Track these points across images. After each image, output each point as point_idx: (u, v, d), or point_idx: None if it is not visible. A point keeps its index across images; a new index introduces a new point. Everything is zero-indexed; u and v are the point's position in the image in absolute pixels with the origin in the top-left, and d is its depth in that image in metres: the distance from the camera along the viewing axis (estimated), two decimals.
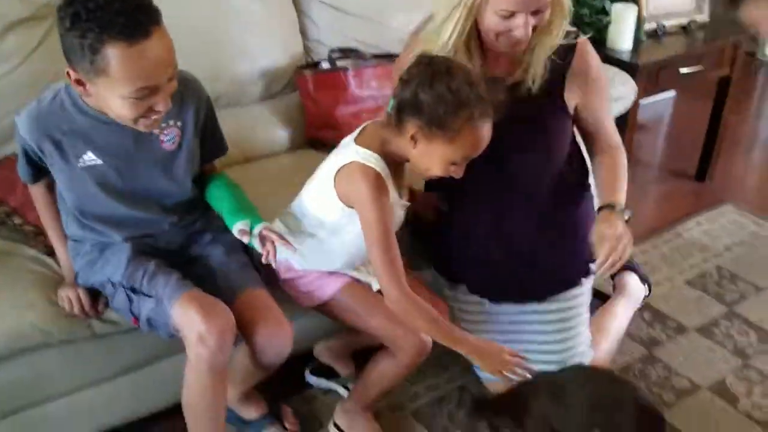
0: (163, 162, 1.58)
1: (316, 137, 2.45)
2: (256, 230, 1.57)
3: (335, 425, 1.88)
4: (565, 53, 1.69)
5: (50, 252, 1.77)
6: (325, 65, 2.44)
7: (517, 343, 1.71)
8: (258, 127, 2.45)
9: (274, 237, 1.56)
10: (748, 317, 2.33)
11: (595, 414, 1.56)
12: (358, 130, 1.64)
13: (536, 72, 1.65)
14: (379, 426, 1.86)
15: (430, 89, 1.41)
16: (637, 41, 2.77)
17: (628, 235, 1.58)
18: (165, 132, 1.55)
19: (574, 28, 1.71)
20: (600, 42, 2.73)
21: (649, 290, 2.20)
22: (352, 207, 1.55)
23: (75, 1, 1.25)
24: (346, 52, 2.46)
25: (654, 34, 2.84)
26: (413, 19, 2.26)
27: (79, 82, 1.34)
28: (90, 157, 1.50)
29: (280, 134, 2.47)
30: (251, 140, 2.42)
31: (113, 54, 1.25)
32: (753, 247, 2.70)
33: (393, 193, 1.57)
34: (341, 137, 2.37)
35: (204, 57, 2.29)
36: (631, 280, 2.12)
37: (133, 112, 1.36)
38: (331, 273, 1.71)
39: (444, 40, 1.57)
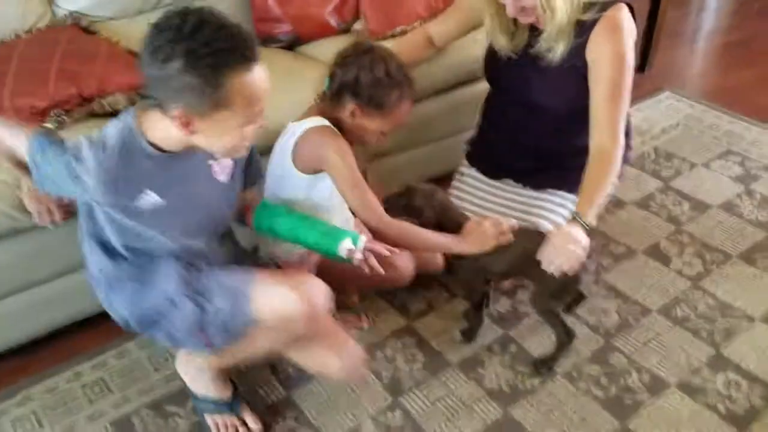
0: (220, 194, 1.53)
1: (265, 33, 2.47)
2: (361, 245, 1.55)
3: None
4: (590, 26, 1.74)
5: None
6: None
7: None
8: None
9: (380, 248, 1.57)
10: (681, 189, 2.49)
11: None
12: (301, 116, 1.73)
13: (549, 47, 1.76)
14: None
15: (370, 73, 1.61)
16: None
17: (579, 244, 1.64)
18: (220, 164, 1.49)
19: None
20: None
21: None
22: (318, 172, 1.65)
23: (181, 39, 1.15)
24: None
25: None
26: None
27: (184, 122, 1.24)
28: (151, 198, 1.37)
29: None
30: None
31: (236, 83, 1.19)
32: (687, 128, 2.86)
33: None
34: (290, 33, 2.43)
35: None
36: None
37: (243, 138, 1.31)
38: None
39: None
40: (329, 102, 1.69)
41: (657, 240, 2.27)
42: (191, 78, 1.16)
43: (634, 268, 2.16)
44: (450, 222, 1.76)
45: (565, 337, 1.81)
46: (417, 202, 1.77)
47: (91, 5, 2.28)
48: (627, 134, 1.97)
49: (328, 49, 2.32)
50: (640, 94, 3.04)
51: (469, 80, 2.35)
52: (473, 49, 2.20)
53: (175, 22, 1.16)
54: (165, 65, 1.16)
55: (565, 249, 1.64)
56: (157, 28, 1.18)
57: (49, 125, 1.88)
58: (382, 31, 2.41)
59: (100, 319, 1.92)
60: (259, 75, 1.24)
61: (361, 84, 1.62)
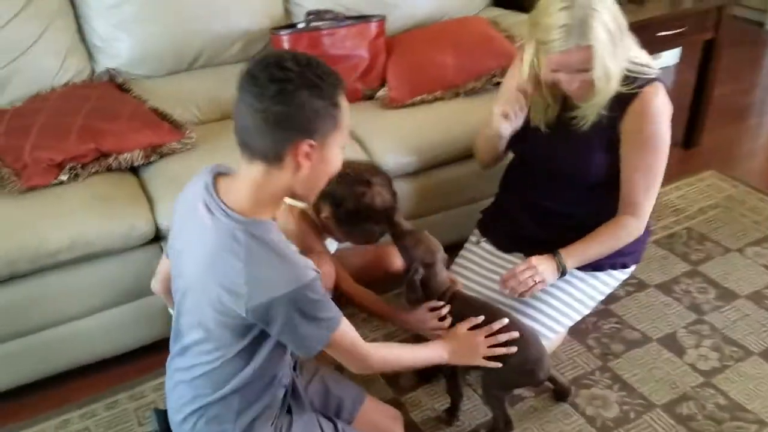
0: None
1: None
2: None
3: None
4: (627, 100, 1.73)
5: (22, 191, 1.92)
6: (301, 26, 2.51)
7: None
8: (234, 88, 2.52)
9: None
10: (709, 275, 2.36)
11: None
12: None
13: (584, 116, 1.75)
14: None
15: (357, 202, 1.72)
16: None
17: (541, 276, 1.73)
18: None
19: (653, 69, 1.74)
20: None
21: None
22: None
23: (301, 71, 1.17)
24: (322, 14, 2.52)
25: None
26: None
27: (305, 154, 1.22)
28: None
29: None
30: (228, 99, 2.48)
31: (344, 102, 1.25)
32: (726, 210, 2.71)
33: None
34: None
35: (180, 13, 2.41)
36: None
37: (341, 162, 1.33)
38: None
39: (525, 62, 1.73)
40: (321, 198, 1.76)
41: (674, 329, 2.14)
42: (319, 100, 1.19)
43: (645, 358, 2.04)
44: (433, 286, 1.72)
45: (503, 426, 1.76)
46: (413, 251, 1.74)
47: (127, 63, 2.40)
48: None
49: (354, 115, 2.34)
50: (683, 171, 2.93)
51: None
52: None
53: (285, 58, 1.20)
54: (294, 95, 1.17)
55: (525, 279, 1.69)
56: (276, 64, 1.19)
57: (62, 178, 1.98)
58: (402, 99, 2.43)
59: (97, 367, 1.97)
60: None
61: (345, 206, 1.73)
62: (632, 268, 2.02)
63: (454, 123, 2.29)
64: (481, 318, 1.66)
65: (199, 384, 1.39)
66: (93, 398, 1.97)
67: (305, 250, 1.76)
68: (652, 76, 1.74)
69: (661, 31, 2.78)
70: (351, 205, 1.73)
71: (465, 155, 2.26)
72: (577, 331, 2.10)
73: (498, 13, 2.90)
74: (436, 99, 2.44)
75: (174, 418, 1.46)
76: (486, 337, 1.62)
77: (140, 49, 2.39)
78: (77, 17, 2.38)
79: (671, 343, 2.09)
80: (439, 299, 1.72)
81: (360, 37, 2.53)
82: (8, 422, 1.91)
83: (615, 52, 1.62)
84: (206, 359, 1.36)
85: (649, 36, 2.72)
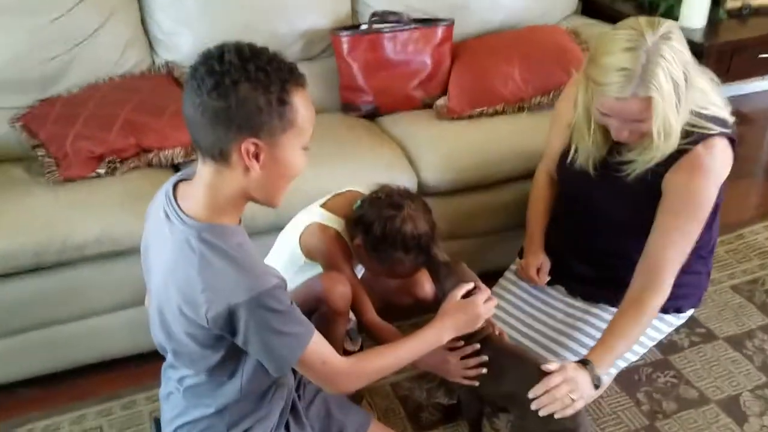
0: None
1: (349, 100, 2.43)
2: None
3: None
4: (676, 155, 1.54)
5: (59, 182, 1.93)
6: (364, 27, 2.40)
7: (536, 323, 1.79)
8: None
9: None
10: None
11: None
12: (325, 198, 1.76)
13: (633, 168, 1.58)
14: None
15: (386, 226, 1.59)
16: (715, 21, 2.51)
17: (580, 393, 1.45)
18: None
19: (716, 127, 1.54)
20: (670, 17, 2.50)
21: None
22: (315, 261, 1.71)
23: (245, 61, 1.07)
24: (386, 16, 2.41)
25: (738, 14, 2.56)
26: None
27: (253, 154, 1.13)
28: None
29: (313, 95, 2.38)
30: None
31: (298, 100, 1.13)
32: None
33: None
34: (371, 103, 2.38)
35: (243, 10, 2.35)
36: None
37: (304, 164, 1.21)
38: None
39: (579, 98, 1.58)
40: (350, 221, 1.69)
41: (739, 391, 1.90)
42: (263, 96, 1.08)
43: (699, 421, 1.82)
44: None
45: None
46: (444, 282, 1.61)
47: (186, 58, 2.36)
48: (706, 256, 1.76)
49: (407, 124, 2.29)
50: None
51: None
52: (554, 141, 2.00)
53: (230, 48, 1.10)
54: (234, 89, 1.07)
55: (562, 395, 1.40)
56: (213, 58, 1.09)
57: (101, 170, 1.96)
58: (461, 110, 2.29)
59: (118, 365, 1.94)
60: (309, 96, 1.19)
61: (374, 233, 1.61)
62: (688, 313, 1.81)
63: (510, 141, 2.13)
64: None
65: (189, 396, 1.35)
66: (111, 396, 1.95)
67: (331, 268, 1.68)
68: (713, 132, 1.52)
69: (765, 53, 2.49)
70: (379, 230, 1.61)
71: (514, 177, 2.10)
72: (627, 382, 1.90)
73: (582, 22, 2.69)
74: (496, 113, 2.29)
75: (166, 429, 1.40)
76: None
77: (200, 44, 2.31)
78: (141, 9, 2.37)
79: (732, 407, 1.85)
80: (469, 340, 1.56)
81: (424, 42, 2.40)
82: (28, 411, 1.91)
83: (678, 106, 1.43)
84: (191, 372, 1.31)
85: (749, 57, 2.46)
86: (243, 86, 1.07)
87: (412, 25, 2.39)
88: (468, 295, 1.50)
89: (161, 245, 1.22)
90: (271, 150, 1.13)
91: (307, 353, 1.22)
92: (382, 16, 2.41)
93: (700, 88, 1.52)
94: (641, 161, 1.55)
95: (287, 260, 1.75)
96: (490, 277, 1.91)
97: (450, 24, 2.44)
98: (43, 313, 1.88)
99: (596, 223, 1.74)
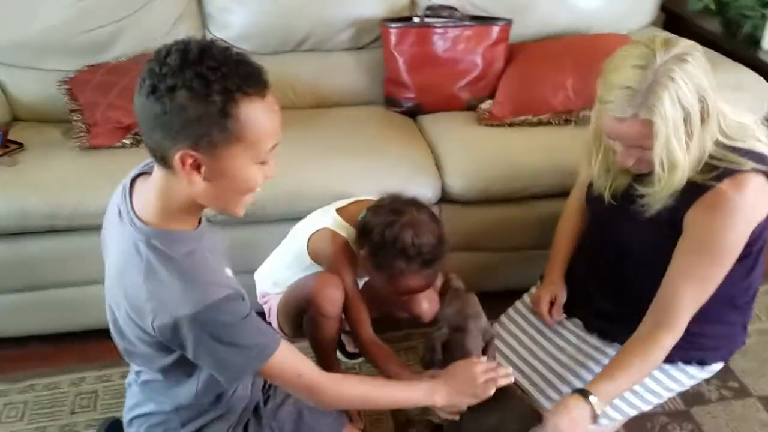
0: None
1: (391, 95, 2.36)
2: None
3: None
4: (700, 190, 1.38)
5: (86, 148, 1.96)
6: (416, 20, 2.31)
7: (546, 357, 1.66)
8: (337, 76, 2.41)
9: None
10: None
11: None
12: (345, 202, 1.72)
13: (648, 202, 1.44)
14: None
15: (384, 233, 1.51)
16: None
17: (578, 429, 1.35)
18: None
19: (739, 162, 1.36)
20: (753, 42, 2.29)
21: None
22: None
23: (187, 66, 0.98)
24: (440, 10, 2.31)
25: None
26: None
27: (193, 165, 1.04)
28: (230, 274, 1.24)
29: (357, 86, 2.42)
30: (327, 87, 2.41)
31: (249, 111, 1.01)
32: None
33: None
34: (413, 100, 2.29)
35: None
36: None
37: (259, 180, 1.11)
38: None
39: (592, 117, 1.48)
40: (357, 230, 1.61)
41: None
42: (201, 106, 0.99)
43: None
44: (455, 356, 1.46)
45: None
46: (444, 307, 1.54)
47: (235, 37, 2.36)
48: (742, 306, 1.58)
49: (445, 125, 2.20)
50: None
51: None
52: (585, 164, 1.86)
53: (179, 48, 1.00)
54: (171, 95, 0.98)
55: None
56: (158, 58, 1.00)
57: (126, 141, 1.98)
58: (503, 116, 2.18)
59: None
60: (272, 106, 1.07)
61: (373, 239, 1.54)
62: (716, 366, 1.62)
63: (548, 155, 1.99)
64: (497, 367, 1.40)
65: (145, 390, 1.33)
66: (112, 363, 1.97)
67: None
68: (745, 168, 1.34)
69: None
70: (377, 236, 1.52)
71: (548, 194, 1.97)
72: (638, 429, 1.75)
73: (657, 34, 2.49)
74: (540, 123, 2.15)
75: (124, 418, 1.40)
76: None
77: (251, 23, 2.34)
78: None
79: None
80: None
81: (476, 41, 2.29)
82: (35, 366, 1.98)
83: (689, 137, 1.28)
84: (147, 368, 1.28)
85: None
86: (179, 93, 0.97)
87: (466, 22, 2.29)
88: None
89: (115, 241, 1.18)
90: (213, 162, 1.03)
91: (271, 365, 1.15)
92: (435, 10, 2.31)
93: (737, 121, 1.36)
94: (651, 195, 1.40)
95: (294, 258, 1.71)
96: (509, 297, 1.81)
97: (507, 24, 2.31)
98: (55, 274, 1.92)
99: (620, 257, 1.59)
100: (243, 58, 1.04)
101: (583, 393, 1.38)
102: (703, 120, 1.29)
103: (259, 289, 1.84)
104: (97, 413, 1.83)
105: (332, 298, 1.57)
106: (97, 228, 1.82)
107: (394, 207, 1.56)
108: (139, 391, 1.34)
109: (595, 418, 1.37)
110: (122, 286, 1.13)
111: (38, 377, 1.94)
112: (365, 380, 1.37)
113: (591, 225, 1.73)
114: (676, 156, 1.29)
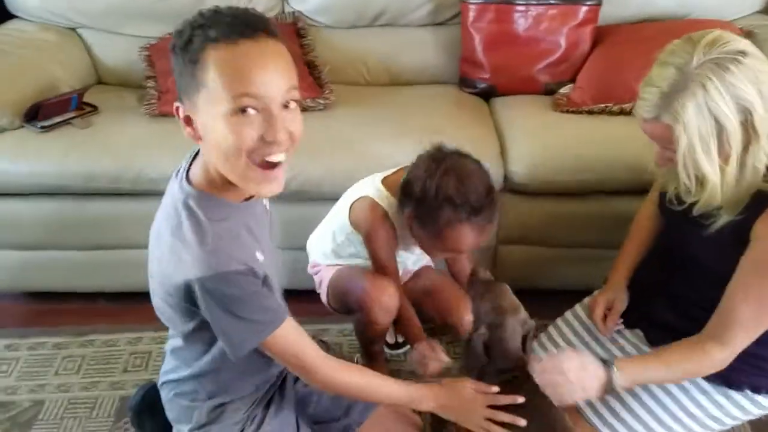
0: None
1: (465, 74, 2.27)
2: None
3: None
4: (766, 202, 1.26)
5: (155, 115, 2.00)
6: None
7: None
8: (412, 53, 2.34)
9: None
10: None
11: None
12: (392, 171, 1.63)
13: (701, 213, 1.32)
14: None
15: (425, 184, 1.42)
16: None
17: (582, 383, 1.29)
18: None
19: None
20: None
21: None
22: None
23: (195, 23, 1.02)
24: None
25: None
26: None
27: (187, 120, 1.06)
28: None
29: (431, 64, 2.35)
30: (401, 64, 2.35)
31: (212, 57, 0.99)
32: None
33: (400, 239, 1.59)
34: (487, 81, 2.20)
35: None
36: None
37: (239, 137, 1.02)
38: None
39: None
40: (400, 191, 1.52)
41: None
42: (178, 57, 1.03)
43: None
44: (496, 355, 1.37)
45: None
46: (477, 303, 1.43)
47: (314, 10, 2.34)
48: None
49: (517, 109, 2.10)
50: None
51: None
52: None
53: (203, 11, 1.05)
54: (173, 55, 1.05)
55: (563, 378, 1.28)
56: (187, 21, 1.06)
57: None
58: (581, 103, 2.05)
59: None
60: (244, 53, 1.00)
61: (415, 193, 1.44)
62: None
63: (625, 148, 1.83)
64: (519, 400, 1.30)
65: (175, 356, 1.35)
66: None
67: (372, 261, 1.59)
68: None
69: None
70: (418, 188, 1.43)
71: (621, 191, 1.83)
72: None
73: (764, 23, 2.26)
74: (622, 112, 2.00)
75: (159, 380, 1.42)
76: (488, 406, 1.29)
77: None
78: None
79: None
80: (501, 374, 1.35)
81: (560, 21, 2.16)
82: (98, 322, 2.07)
83: (721, 152, 1.17)
84: (174, 334, 1.30)
85: None
86: (175, 52, 1.04)
87: (551, 0, 2.15)
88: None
89: (165, 197, 1.20)
90: (195, 116, 1.05)
91: (270, 342, 1.15)
92: None
93: None
94: (699, 207, 1.28)
95: (339, 227, 1.67)
96: (564, 297, 1.70)
97: (596, 4, 2.16)
98: (117, 236, 1.98)
99: (687, 268, 1.46)
100: (240, 11, 1.04)
101: (607, 363, 1.30)
102: (748, 135, 1.15)
103: (311, 258, 1.81)
104: (148, 374, 1.88)
105: (387, 308, 1.51)
106: (158, 194, 1.89)
107: (434, 156, 1.46)
108: (170, 356, 1.36)
109: (605, 389, 1.29)
110: (156, 240, 1.15)
111: (99, 333, 2.02)
112: (364, 371, 1.31)
113: (663, 231, 1.59)
114: (704, 170, 1.18)
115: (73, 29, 2.34)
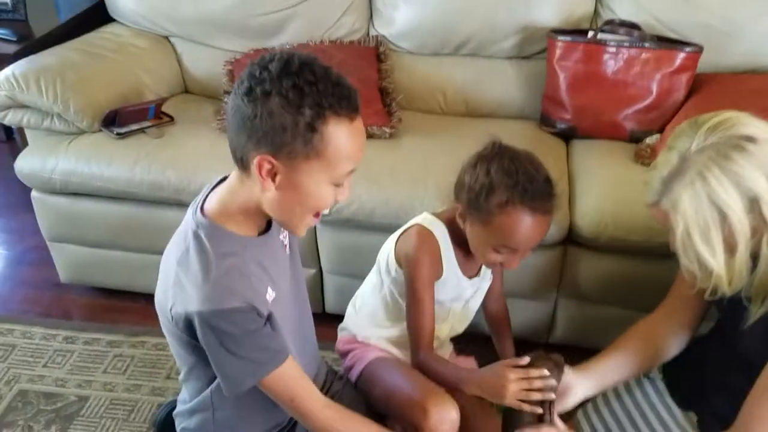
0: (295, 275, 1.35)
1: (547, 113, 2.17)
2: None
3: None
4: None
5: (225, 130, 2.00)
6: (590, 34, 2.08)
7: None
8: (493, 85, 2.27)
9: None
10: None
11: None
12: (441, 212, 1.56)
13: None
14: None
15: (476, 169, 1.37)
16: None
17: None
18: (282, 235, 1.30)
19: None
20: None
21: None
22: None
23: (286, 74, 1.01)
24: (618, 27, 2.06)
25: None
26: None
27: (269, 171, 1.05)
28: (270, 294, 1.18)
29: (512, 98, 2.26)
30: (480, 96, 2.28)
31: (335, 130, 1.03)
32: None
33: (453, 267, 1.50)
34: (569, 122, 2.10)
35: None
36: None
37: (329, 201, 1.11)
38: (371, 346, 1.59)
39: None
40: (453, 203, 1.47)
41: None
42: (290, 116, 1.01)
43: None
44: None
45: None
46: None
47: (398, 34, 2.31)
48: None
49: (595, 155, 1.99)
50: None
51: None
52: None
53: (282, 58, 1.04)
54: (264, 100, 1.00)
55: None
56: (260, 63, 1.04)
57: None
58: None
59: None
60: (358, 131, 1.08)
61: (466, 183, 1.38)
62: None
63: None
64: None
65: (186, 387, 1.35)
66: None
67: (407, 290, 1.48)
68: None
69: None
70: (470, 178, 1.37)
71: None
72: None
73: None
74: None
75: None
76: None
77: (414, 20, 2.26)
78: None
79: None
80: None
81: (654, 66, 2.01)
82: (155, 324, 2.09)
83: (725, 241, 1.07)
84: (179, 364, 1.31)
85: None
86: (273, 100, 1.00)
87: (646, 44, 2.01)
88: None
89: (181, 224, 1.21)
90: (289, 173, 1.05)
91: (267, 383, 1.14)
92: (613, 26, 2.07)
93: None
94: (707, 294, 1.16)
95: (385, 265, 1.56)
96: None
97: (697, 51, 2.00)
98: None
99: (737, 355, 1.32)
100: (341, 80, 1.05)
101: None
102: (758, 224, 1.04)
103: (341, 336, 1.66)
104: None
105: (450, 420, 1.35)
106: None
107: (481, 153, 1.40)
108: (183, 387, 1.36)
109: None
110: (164, 265, 1.18)
111: (151, 335, 2.06)
112: (364, 421, 1.27)
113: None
114: (705, 260, 1.08)
115: (166, 37, 2.43)
